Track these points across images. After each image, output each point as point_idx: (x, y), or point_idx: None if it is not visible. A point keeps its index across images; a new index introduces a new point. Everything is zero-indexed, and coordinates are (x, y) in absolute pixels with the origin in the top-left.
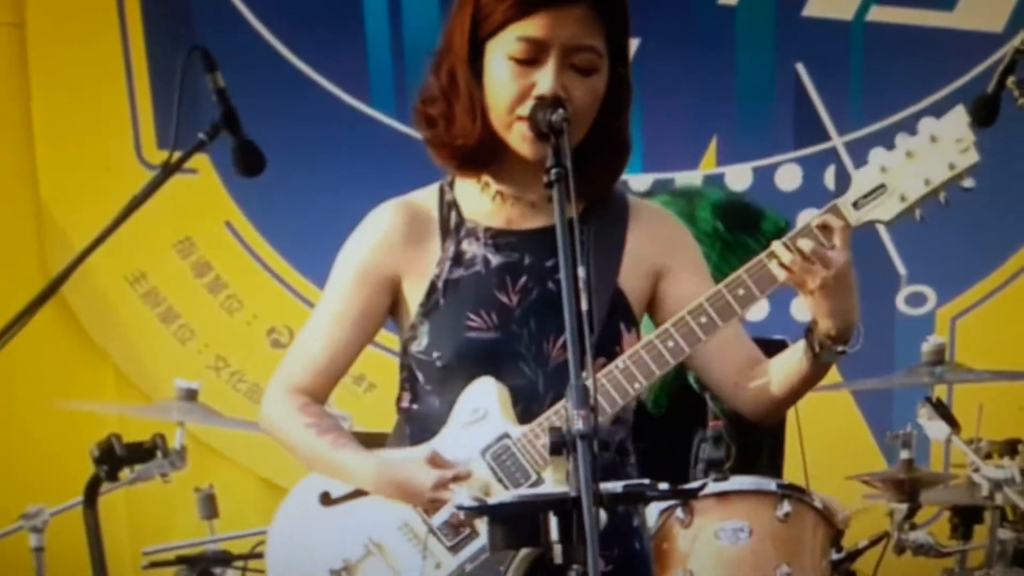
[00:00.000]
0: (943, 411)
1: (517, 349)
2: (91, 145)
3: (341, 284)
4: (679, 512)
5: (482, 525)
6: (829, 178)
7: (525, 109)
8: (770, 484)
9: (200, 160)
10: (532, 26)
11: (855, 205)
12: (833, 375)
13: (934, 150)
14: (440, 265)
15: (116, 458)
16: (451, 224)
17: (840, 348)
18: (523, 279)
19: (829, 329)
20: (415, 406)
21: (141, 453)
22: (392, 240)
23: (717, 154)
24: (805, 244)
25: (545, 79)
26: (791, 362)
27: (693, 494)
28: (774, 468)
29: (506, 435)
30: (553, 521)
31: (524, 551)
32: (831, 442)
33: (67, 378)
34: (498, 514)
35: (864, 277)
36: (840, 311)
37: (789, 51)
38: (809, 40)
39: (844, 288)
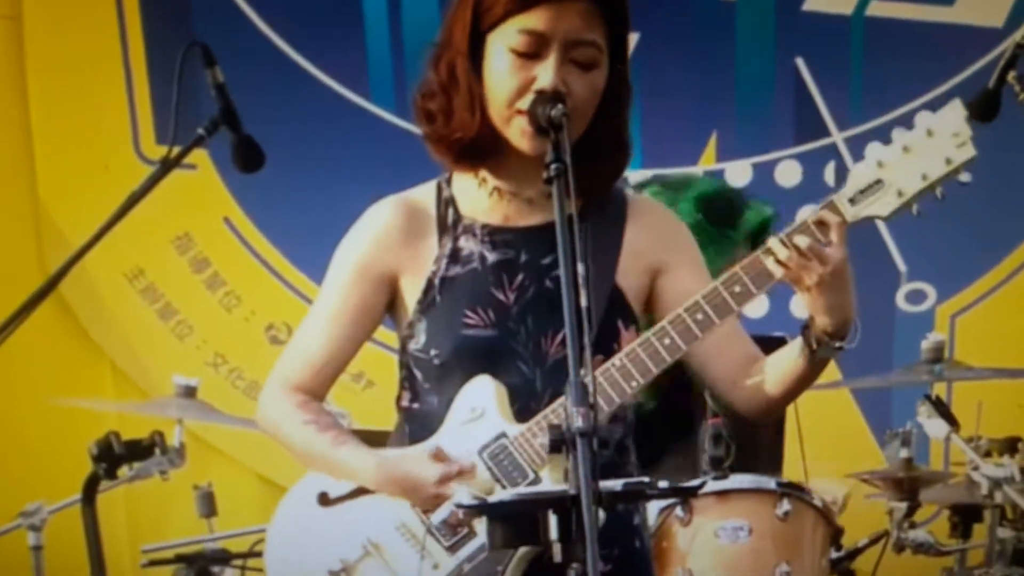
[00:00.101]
0: (942, 409)
1: (514, 347)
2: (89, 140)
3: (338, 281)
4: (678, 511)
5: (480, 525)
6: (829, 174)
7: (525, 103)
8: (770, 482)
9: (199, 156)
10: (534, 19)
11: (852, 201)
12: (832, 373)
13: (931, 145)
14: (437, 262)
15: (114, 456)
16: (448, 221)
17: (837, 344)
18: (520, 276)
19: (826, 326)
20: (414, 405)
21: (140, 451)
22: (390, 237)
23: (717, 150)
24: (801, 240)
25: (546, 73)
26: (788, 359)
27: (692, 492)
28: (774, 466)
29: (503, 434)
30: (552, 520)
31: (522, 550)
32: (830, 440)
33: (65, 375)
34: (497, 512)
35: (864, 274)
36: (837, 307)
37: (789, 46)
38: (809, 35)
39: (841, 284)
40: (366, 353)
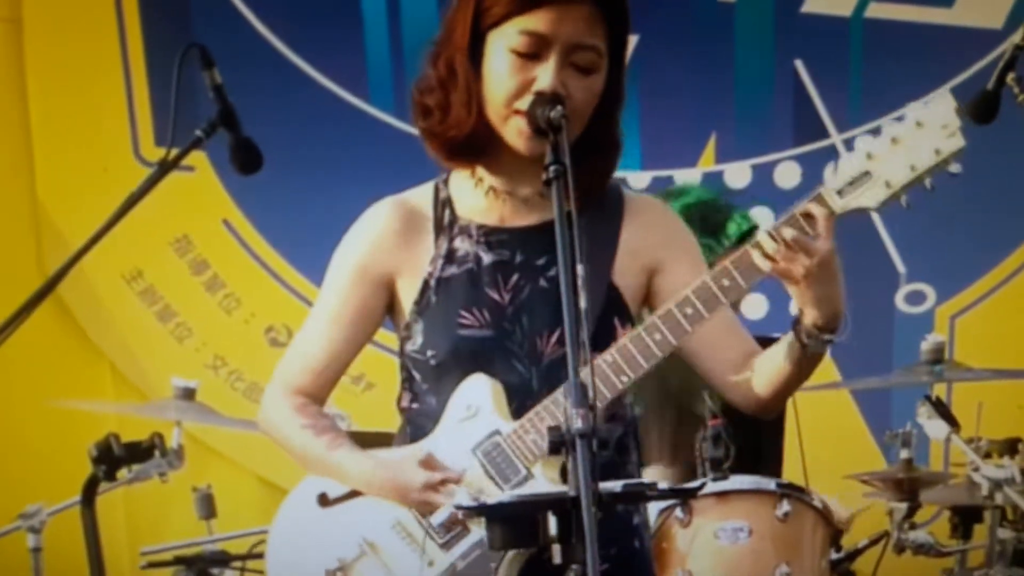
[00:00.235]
0: (942, 410)
1: (510, 347)
2: (88, 142)
3: (337, 284)
4: (678, 512)
5: (473, 522)
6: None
7: (524, 103)
8: (769, 484)
9: (197, 157)
10: (536, 20)
11: (840, 193)
12: (832, 374)
13: (920, 135)
14: (433, 263)
15: (114, 458)
16: (445, 221)
17: (827, 337)
18: (515, 277)
19: (816, 319)
20: (414, 405)
21: (139, 453)
22: (387, 239)
23: (716, 152)
24: (788, 233)
25: (545, 75)
26: (781, 355)
27: (692, 493)
28: (773, 467)
29: (497, 431)
30: (552, 521)
31: (512, 551)
32: (830, 441)
33: (64, 377)
34: (497, 514)
35: (863, 275)
36: (825, 299)
37: (788, 48)
38: (808, 37)
39: (828, 276)
40: (366, 355)
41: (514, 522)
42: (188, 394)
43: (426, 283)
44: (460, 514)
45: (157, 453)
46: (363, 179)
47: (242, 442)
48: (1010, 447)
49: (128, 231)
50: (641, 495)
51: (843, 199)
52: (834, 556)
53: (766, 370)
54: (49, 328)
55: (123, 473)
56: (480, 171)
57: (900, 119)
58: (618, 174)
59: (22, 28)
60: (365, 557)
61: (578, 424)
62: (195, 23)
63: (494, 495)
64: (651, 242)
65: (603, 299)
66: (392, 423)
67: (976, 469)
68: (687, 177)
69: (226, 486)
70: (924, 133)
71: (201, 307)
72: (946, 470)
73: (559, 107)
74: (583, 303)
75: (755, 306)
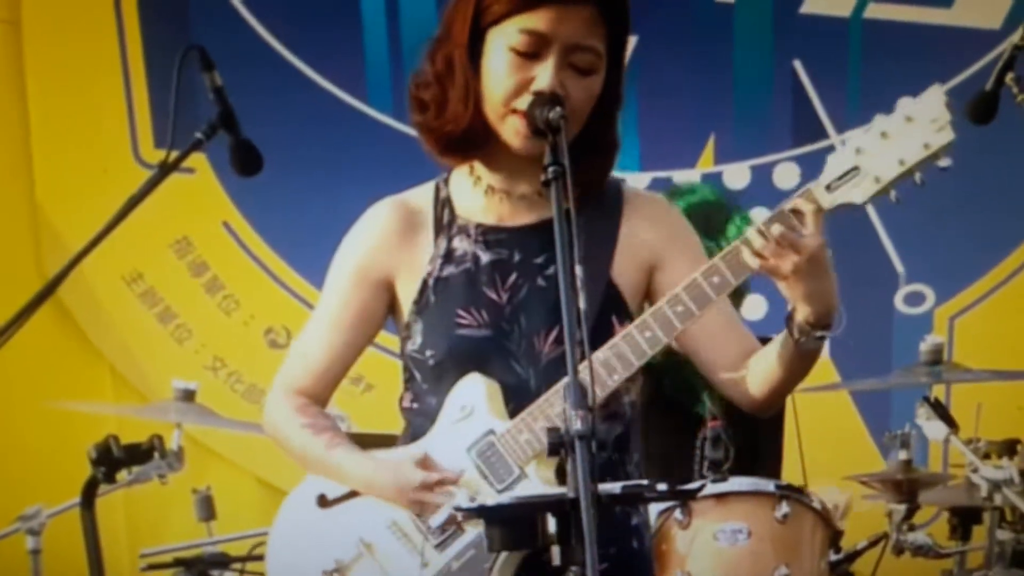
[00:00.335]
0: (941, 411)
1: (508, 347)
2: (87, 144)
3: (338, 286)
4: (677, 513)
5: (468, 523)
6: None
7: (522, 103)
8: (768, 485)
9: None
10: (536, 20)
11: (829, 188)
12: (831, 375)
13: (909, 130)
14: (432, 263)
15: (113, 459)
16: (444, 221)
17: (819, 334)
18: (513, 276)
19: (808, 315)
20: (415, 405)
21: (139, 454)
22: (387, 240)
23: (715, 152)
24: (775, 230)
25: (544, 74)
26: (776, 352)
27: (691, 495)
28: (772, 469)
29: (491, 431)
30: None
31: (506, 553)
32: (829, 442)
33: (64, 379)
34: (496, 516)
35: (862, 276)
36: (816, 295)
37: (787, 49)
38: (807, 38)
39: (818, 272)
40: (365, 356)
41: (513, 523)
42: (188, 396)
43: (425, 283)
44: (459, 516)
45: (157, 455)
46: (362, 180)
47: (242, 444)
48: (1009, 448)
49: (128, 233)
50: (640, 496)
51: (832, 194)
52: (833, 557)
53: (762, 368)
54: (49, 330)
55: (123, 475)
56: (478, 169)
57: (890, 113)
58: (617, 175)
59: (21, 30)
60: (362, 558)
61: (577, 425)
62: (194, 25)
63: (489, 495)
64: (651, 238)
65: (601, 297)
66: (391, 424)
67: (975, 470)
68: (686, 178)
69: (226, 488)
70: (913, 127)
71: (201, 309)
72: (945, 471)
73: (558, 108)
74: (582, 303)
75: (754, 306)
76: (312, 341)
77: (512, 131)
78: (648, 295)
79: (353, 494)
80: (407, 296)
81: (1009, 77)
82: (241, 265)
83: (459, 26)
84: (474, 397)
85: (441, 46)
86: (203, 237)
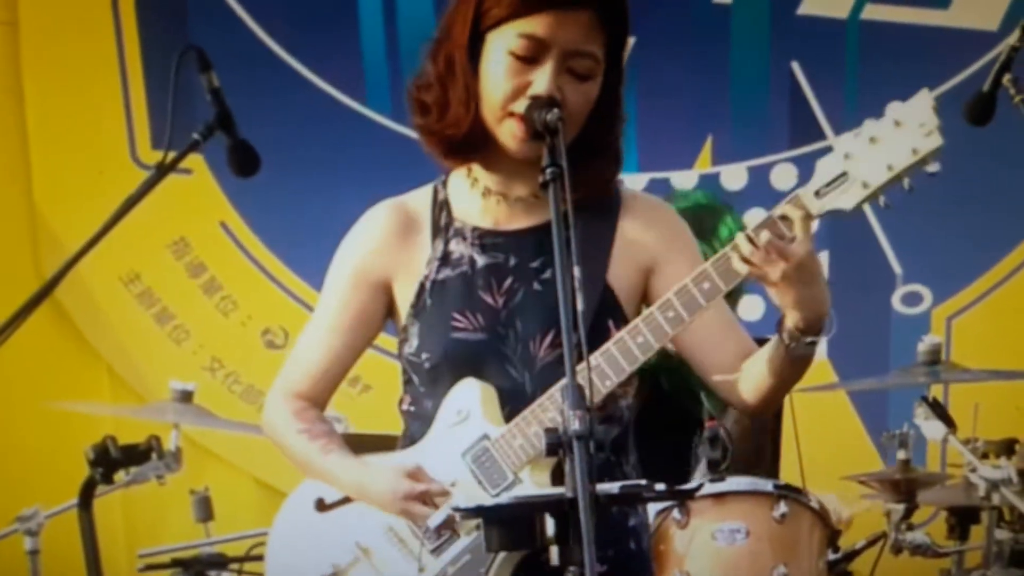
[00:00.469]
0: (939, 411)
1: (503, 351)
2: (85, 145)
3: (336, 288)
4: (675, 513)
5: (463, 528)
6: None
7: (519, 107)
8: (767, 485)
9: (195, 160)
10: (535, 24)
11: (817, 194)
12: (829, 375)
13: (897, 135)
14: (429, 265)
15: (111, 460)
16: (441, 224)
17: (810, 340)
18: (509, 280)
19: (797, 321)
20: (413, 408)
21: (136, 455)
22: (385, 243)
23: (712, 153)
24: (763, 236)
25: (542, 79)
26: (767, 357)
27: (690, 495)
28: (770, 468)
29: (485, 436)
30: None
31: (503, 554)
32: (827, 442)
33: (62, 380)
34: (494, 516)
35: (860, 276)
36: (805, 301)
37: (784, 50)
38: (804, 39)
39: (807, 278)
40: (363, 357)
41: (511, 524)
42: (185, 396)
43: (422, 285)
44: (458, 516)
45: (154, 455)
46: (360, 181)
47: (239, 445)
48: (1007, 448)
49: (125, 234)
50: (638, 496)
51: (820, 200)
52: (831, 557)
53: (754, 372)
54: (46, 331)
55: (120, 476)
56: (476, 171)
57: (880, 118)
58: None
59: (19, 30)
60: (359, 563)
61: (575, 426)
62: (192, 25)
63: (484, 500)
64: (647, 241)
65: (597, 301)
66: (389, 425)
67: (973, 470)
68: (684, 179)
69: (224, 488)
70: (902, 132)
71: (198, 309)
72: (943, 471)
73: (555, 110)
74: (580, 306)
75: (751, 307)
76: (311, 344)
77: (509, 134)
78: (645, 298)
79: (350, 499)
80: (405, 299)
81: (1006, 78)
82: (239, 266)
83: (459, 27)
84: (469, 401)
85: (441, 47)
86: (200, 238)
